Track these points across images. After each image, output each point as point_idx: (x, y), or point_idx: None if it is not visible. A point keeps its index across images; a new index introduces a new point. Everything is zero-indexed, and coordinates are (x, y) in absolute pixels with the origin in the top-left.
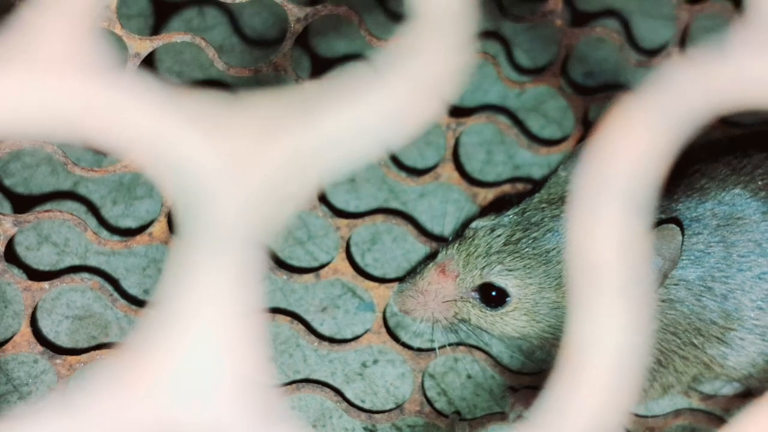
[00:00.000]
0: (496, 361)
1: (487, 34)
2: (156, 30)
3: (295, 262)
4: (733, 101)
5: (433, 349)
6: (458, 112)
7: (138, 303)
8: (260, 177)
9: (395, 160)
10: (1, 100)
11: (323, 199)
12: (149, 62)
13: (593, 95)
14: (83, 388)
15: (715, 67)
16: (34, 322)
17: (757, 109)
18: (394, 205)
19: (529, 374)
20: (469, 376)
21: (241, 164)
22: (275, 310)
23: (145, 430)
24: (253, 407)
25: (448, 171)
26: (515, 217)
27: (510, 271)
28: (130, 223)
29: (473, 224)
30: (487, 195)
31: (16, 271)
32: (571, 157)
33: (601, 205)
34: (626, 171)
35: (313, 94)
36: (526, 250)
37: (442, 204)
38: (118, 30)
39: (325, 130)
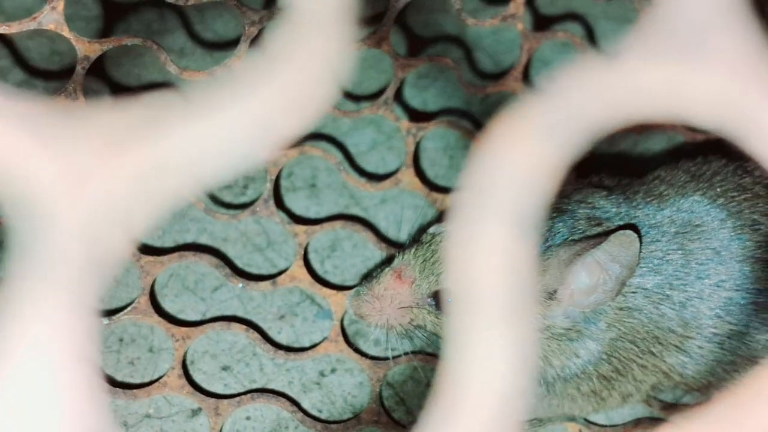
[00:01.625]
0: None
1: (449, 39)
2: (110, 33)
3: (254, 270)
4: (625, 112)
5: (388, 358)
6: (419, 117)
7: None
8: (101, 194)
9: (356, 166)
10: None
11: (281, 205)
12: (101, 65)
13: None
14: None
15: (608, 75)
16: None
17: (648, 120)
18: (355, 211)
19: None
20: (428, 385)
21: (80, 180)
22: (232, 319)
23: None
24: None
25: (408, 177)
26: None
27: None
28: None
29: (430, 230)
30: (448, 201)
31: None
32: None
33: (483, 221)
34: (509, 188)
35: (164, 105)
36: None
37: (404, 209)
38: (66, 33)
39: (177, 144)
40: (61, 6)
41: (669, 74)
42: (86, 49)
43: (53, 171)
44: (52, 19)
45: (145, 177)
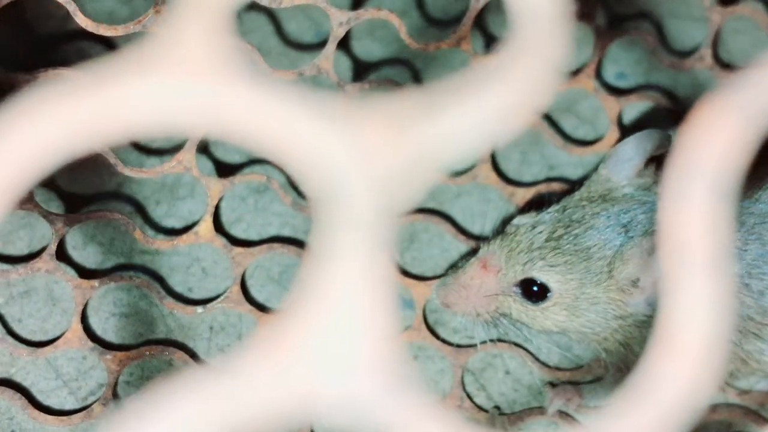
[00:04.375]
0: (534, 357)
1: None
2: None
3: None
4: None
5: (471, 345)
6: None
7: (183, 300)
8: (387, 166)
9: None
10: (146, 99)
11: None
12: None
13: (626, 96)
14: (232, 360)
15: None
16: (83, 320)
17: None
18: (431, 205)
19: (567, 370)
20: (507, 372)
21: (368, 155)
22: None
23: (288, 401)
24: (388, 377)
25: (485, 171)
26: (556, 214)
27: (552, 266)
28: (173, 222)
29: (514, 221)
30: (524, 194)
31: (66, 269)
32: (611, 156)
33: (691, 192)
34: (712, 162)
35: (432, 97)
36: (568, 246)
37: (479, 203)
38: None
39: (442, 127)
40: (164, 10)
41: None
42: None
43: (347, 148)
44: (155, 22)
45: (419, 152)
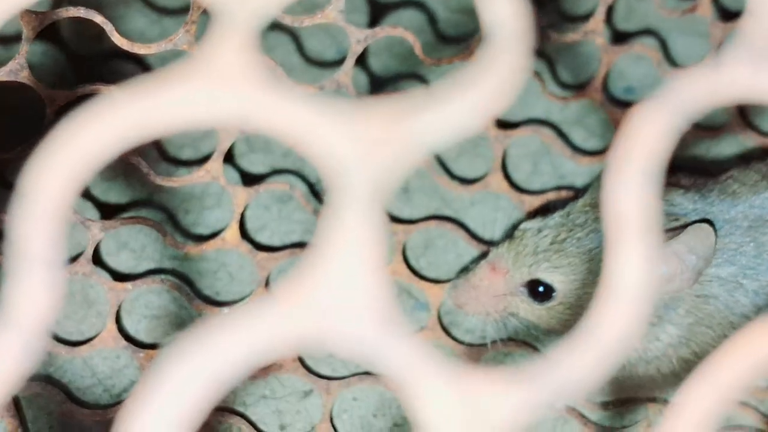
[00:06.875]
0: (543, 354)
1: (534, 53)
2: None
3: None
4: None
5: (483, 345)
6: (505, 125)
7: (212, 303)
8: (384, 155)
9: (447, 171)
10: (185, 104)
11: None
12: None
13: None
14: (250, 306)
15: (711, 74)
16: (117, 321)
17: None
18: (446, 212)
19: None
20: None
21: (367, 147)
22: None
23: (297, 341)
24: (386, 321)
25: (497, 180)
26: (560, 219)
27: (556, 268)
28: (201, 230)
29: (522, 225)
30: (534, 202)
31: (101, 273)
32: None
33: (628, 174)
34: (645, 150)
35: (415, 101)
36: (571, 249)
37: (491, 211)
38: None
39: (427, 123)
40: (193, 29)
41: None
42: None
43: (350, 141)
44: (185, 40)
45: (407, 145)
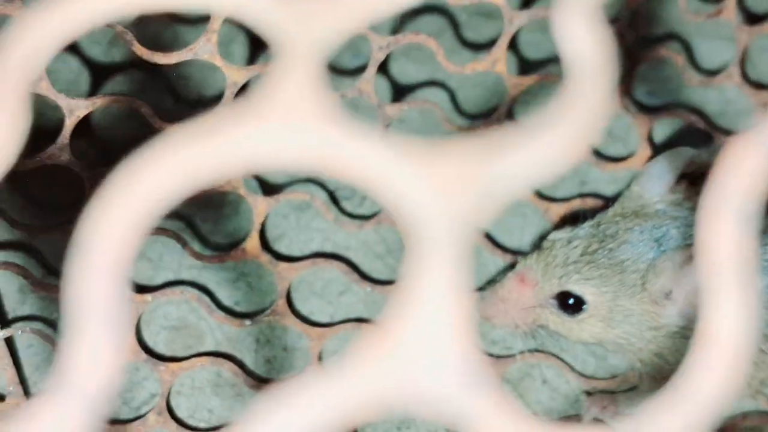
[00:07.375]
0: (571, 367)
1: (557, 60)
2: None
3: (375, 275)
4: None
5: (508, 356)
6: None
7: (232, 314)
8: (463, 199)
9: None
10: (250, 141)
11: None
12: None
13: (657, 114)
14: (338, 364)
15: None
16: (136, 333)
17: None
18: None
19: (602, 379)
20: (544, 381)
21: (445, 189)
22: (358, 320)
23: (382, 398)
24: (472, 378)
25: None
26: (591, 229)
27: (587, 280)
28: (219, 239)
29: (550, 236)
30: (559, 210)
31: None
32: (643, 174)
33: (722, 216)
34: (741, 189)
35: (493, 140)
36: (602, 260)
37: (515, 219)
38: (219, 62)
39: (504, 166)
40: (214, 38)
41: None
42: (235, 75)
43: (426, 185)
44: (207, 50)
45: (485, 187)
